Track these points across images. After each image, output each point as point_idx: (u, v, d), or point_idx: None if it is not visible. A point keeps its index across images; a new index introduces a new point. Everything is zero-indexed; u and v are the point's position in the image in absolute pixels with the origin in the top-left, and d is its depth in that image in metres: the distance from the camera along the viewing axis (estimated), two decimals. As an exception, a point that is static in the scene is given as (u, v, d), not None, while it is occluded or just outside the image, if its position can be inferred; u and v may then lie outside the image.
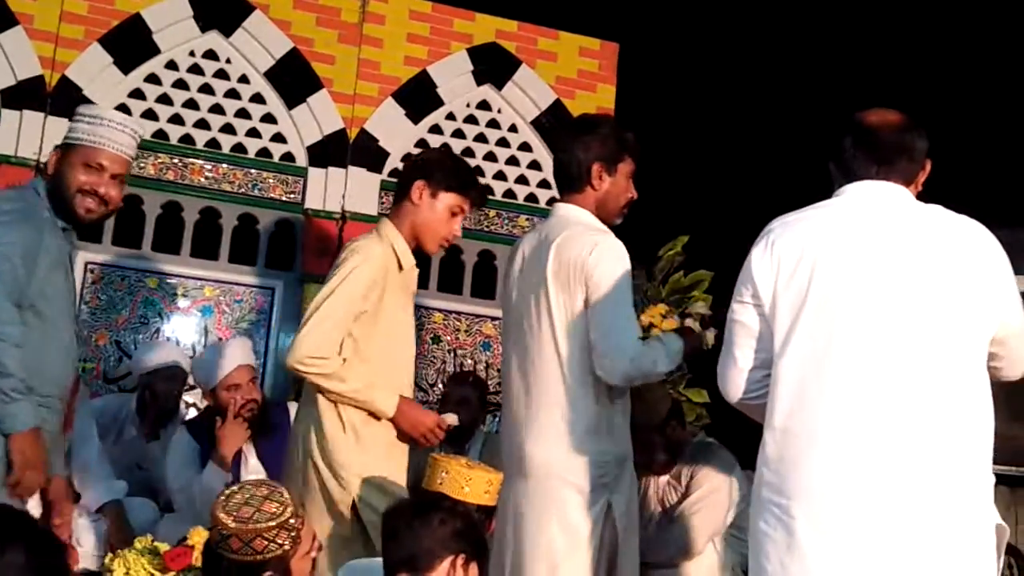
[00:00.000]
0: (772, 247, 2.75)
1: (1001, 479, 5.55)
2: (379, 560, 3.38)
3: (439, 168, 3.71)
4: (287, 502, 2.81)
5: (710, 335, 3.68)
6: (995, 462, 5.09)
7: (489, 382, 6.02)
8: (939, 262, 2.68)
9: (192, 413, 5.41)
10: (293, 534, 2.77)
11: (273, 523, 2.75)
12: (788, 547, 2.60)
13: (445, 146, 3.82)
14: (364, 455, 3.59)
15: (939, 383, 2.61)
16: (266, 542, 2.74)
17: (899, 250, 2.69)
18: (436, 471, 3.47)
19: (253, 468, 4.48)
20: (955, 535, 2.57)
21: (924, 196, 2.92)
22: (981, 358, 2.70)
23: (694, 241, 5.43)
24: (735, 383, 2.84)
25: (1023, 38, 6.56)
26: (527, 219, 6.43)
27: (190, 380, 5.15)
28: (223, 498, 2.85)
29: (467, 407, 5.14)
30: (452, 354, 6.23)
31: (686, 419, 4.51)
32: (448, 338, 6.28)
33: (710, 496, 4.29)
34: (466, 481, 3.37)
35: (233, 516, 2.77)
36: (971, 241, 2.73)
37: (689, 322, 3.73)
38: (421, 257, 6.20)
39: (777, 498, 2.63)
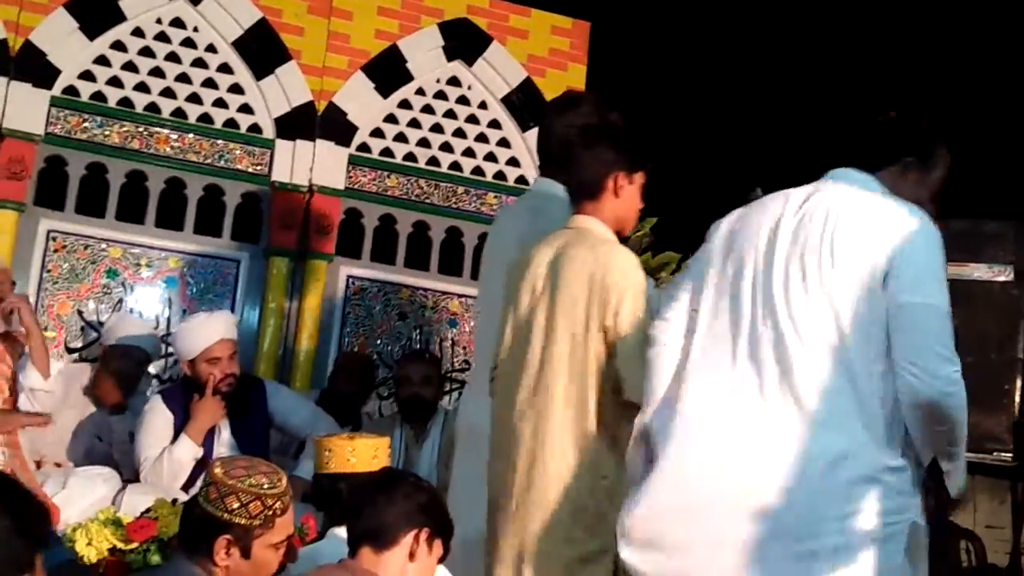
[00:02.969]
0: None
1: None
2: (321, 543, 3.38)
3: (629, 151, 3.48)
4: (280, 485, 2.78)
5: None
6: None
7: (455, 360, 6.01)
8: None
9: (155, 385, 5.37)
10: (267, 513, 2.74)
11: (253, 490, 2.74)
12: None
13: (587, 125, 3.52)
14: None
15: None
16: (238, 504, 2.72)
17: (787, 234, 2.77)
18: (321, 452, 3.46)
19: (226, 443, 4.44)
20: None
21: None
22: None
23: (662, 223, 5.46)
24: None
25: (991, 35, 6.60)
26: (495, 197, 6.41)
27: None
28: (229, 458, 2.91)
29: (430, 385, 5.16)
30: (418, 331, 6.22)
31: None
32: (414, 314, 6.26)
33: None
34: (350, 452, 3.37)
35: (224, 470, 2.77)
36: (873, 225, 2.73)
37: None
38: (389, 234, 6.25)
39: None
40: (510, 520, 3.20)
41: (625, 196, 3.39)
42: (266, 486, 2.76)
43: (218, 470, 2.77)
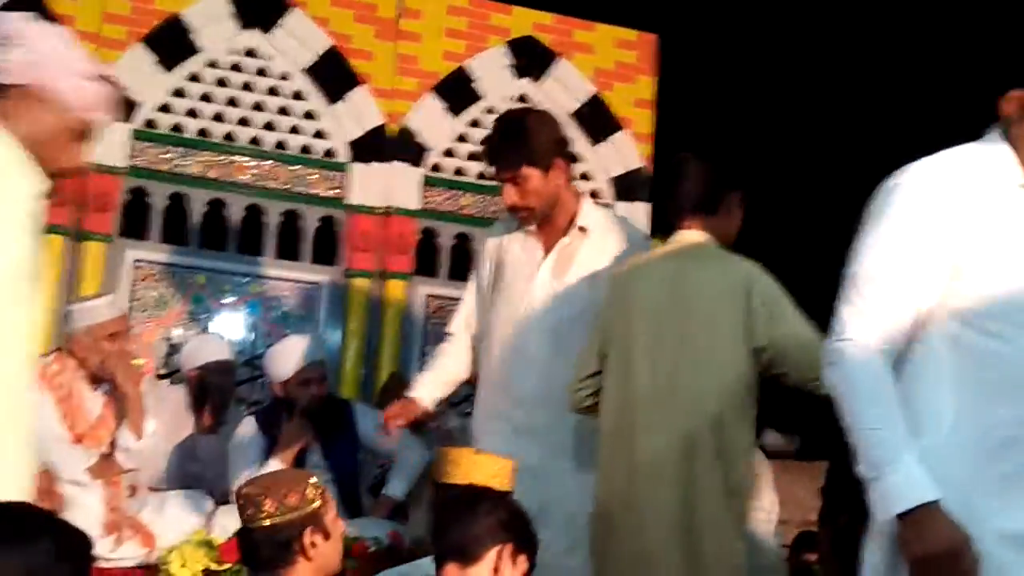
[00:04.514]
0: None
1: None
2: (421, 561, 3.43)
3: (740, 176, 3.54)
4: (300, 471, 2.89)
5: None
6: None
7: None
8: None
9: (243, 408, 5.47)
10: (319, 490, 2.84)
11: (296, 481, 2.83)
12: None
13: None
14: None
15: None
16: (298, 497, 2.79)
17: None
18: (443, 461, 3.48)
19: (316, 465, 4.48)
20: None
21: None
22: None
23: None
24: None
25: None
26: (569, 211, 6.44)
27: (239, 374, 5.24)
28: (248, 481, 2.94)
29: None
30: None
31: None
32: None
33: None
34: (472, 466, 3.39)
35: (261, 486, 2.82)
36: None
37: None
38: (465, 252, 6.30)
39: None
40: (640, 529, 3.27)
41: (736, 215, 3.50)
42: (293, 474, 2.95)
43: (254, 490, 2.80)
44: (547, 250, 3.75)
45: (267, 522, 2.79)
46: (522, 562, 2.87)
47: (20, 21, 2.37)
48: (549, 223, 3.74)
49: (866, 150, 6.40)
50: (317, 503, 2.82)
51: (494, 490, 3.05)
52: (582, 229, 3.72)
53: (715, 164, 3.49)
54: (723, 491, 3.25)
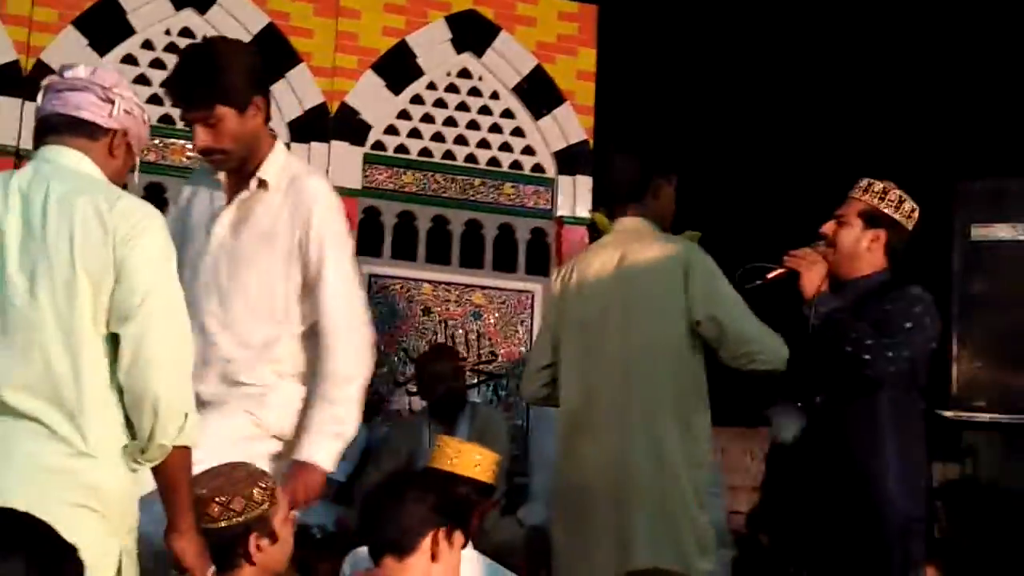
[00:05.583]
0: None
1: (995, 427, 5.59)
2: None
3: (669, 159, 3.71)
4: (248, 464, 2.82)
5: None
6: (987, 410, 5.12)
7: (480, 352, 6.03)
8: None
9: None
10: (267, 492, 2.77)
11: (244, 481, 2.75)
12: None
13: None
14: None
15: None
16: (244, 501, 2.73)
17: None
18: (446, 450, 3.55)
19: None
20: None
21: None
22: None
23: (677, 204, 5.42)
24: None
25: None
26: (512, 187, 6.41)
27: None
28: (195, 477, 2.87)
29: (459, 378, 5.25)
30: (443, 325, 6.22)
31: None
32: (438, 309, 6.26)
33: None
34: (478, 458, 3.49)
35: (206, 487, 2.73)
36: None
37: None
38: (409, 230, 6.25)
39: None
40: (611, 508, 3.42)
41: (668, 199, 3.66)
42: (245, 474, 2.79)
43: (203, 492, 2.73)
44: (230, 202, 3.24)
45: (211, 526, 2.73)
46: (458, 538, 2.84)
47: (115, 74, 2.75)
48: (240, 170, 3.21)
49: (808, 123, 6.40)
50: (265, 506, 2.77)
51: (417, 474, 3.05)
52: (262, 183, 3.20)
53: (642, 151, 3.67)
54: (687, 464, 3.41)
